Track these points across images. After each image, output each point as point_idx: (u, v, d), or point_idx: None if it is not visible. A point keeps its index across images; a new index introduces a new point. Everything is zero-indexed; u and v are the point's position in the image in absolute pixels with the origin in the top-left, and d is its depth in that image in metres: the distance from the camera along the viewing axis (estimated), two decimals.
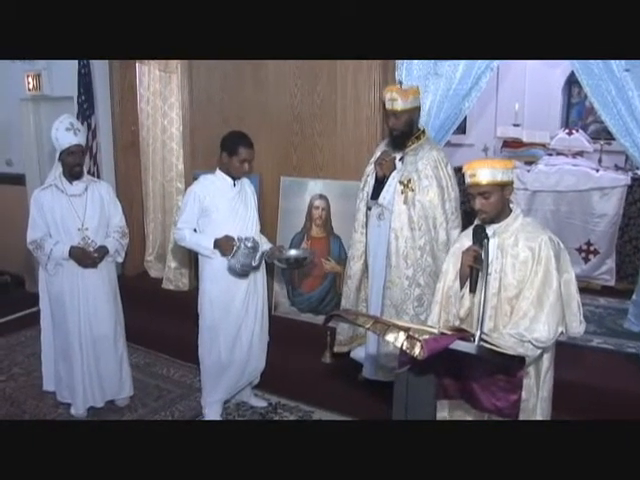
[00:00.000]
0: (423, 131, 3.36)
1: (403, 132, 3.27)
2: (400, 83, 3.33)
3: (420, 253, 3.24)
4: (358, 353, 3.66)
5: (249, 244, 3.10)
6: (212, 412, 3.36)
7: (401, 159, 3.32)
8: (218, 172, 3.24)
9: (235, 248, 3.09)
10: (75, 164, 3.29)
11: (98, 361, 3.42)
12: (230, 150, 3.15)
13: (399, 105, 3.18)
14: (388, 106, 3.24)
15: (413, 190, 3.23)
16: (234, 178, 3.22)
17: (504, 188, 2.21)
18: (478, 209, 2.23)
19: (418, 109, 3.32)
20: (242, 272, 3.15)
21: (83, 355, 3.38)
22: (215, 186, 3.21)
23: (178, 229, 3.25)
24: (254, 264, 3.17)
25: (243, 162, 3.15)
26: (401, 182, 3.26)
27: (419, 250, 3.23)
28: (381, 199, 3.33)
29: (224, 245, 3.12)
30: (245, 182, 3.32)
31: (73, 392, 3.44)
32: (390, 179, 3.31)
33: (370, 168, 3.46)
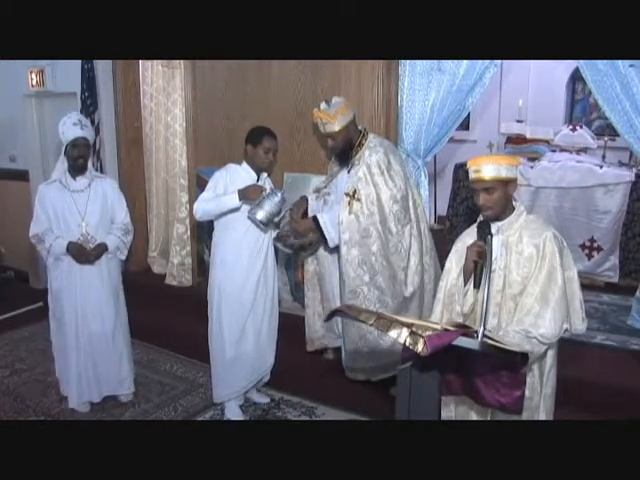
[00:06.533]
0: (364, 135, 3.35)
1: (343, 149, 3.33)
2: (327, 102, 3.29)
3: (375, 258, 3.27)
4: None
5: (279, 193, 3.10)
6: (230, 411, 3.35)
7: (349, 171, 3.37)
8: (244, 164, 3.27)
9: (265, 194, 3.08)
10: (79, 156, 3.29)
11: (95, 357, 3.42)
12: (255, 141, 3.19)
13: (331, 128, 3.24)
14: (322, 130, 3.32)
15: (359, 200, 3.25)
16: (258, 173, 3.25)
17: (508, 184, 2.20)
18: (481, 204, 2.22)
19: (352, 122, 3.30)
20: (266, 222, 3.09)
21: (80, 350, 3.39)
22: (240, 176, 3.23)
23: (197, 204, 3.19)
24: (279, 217, 3.17)
25: (268, 152, 3.19)
26: (347, 194, 3.30)
27: (373, 256, 3.27)
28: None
29: (252, 191, 3.09)
30: (267, 181, 3.35)
31: (68, 386, 3.46)
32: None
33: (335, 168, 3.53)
